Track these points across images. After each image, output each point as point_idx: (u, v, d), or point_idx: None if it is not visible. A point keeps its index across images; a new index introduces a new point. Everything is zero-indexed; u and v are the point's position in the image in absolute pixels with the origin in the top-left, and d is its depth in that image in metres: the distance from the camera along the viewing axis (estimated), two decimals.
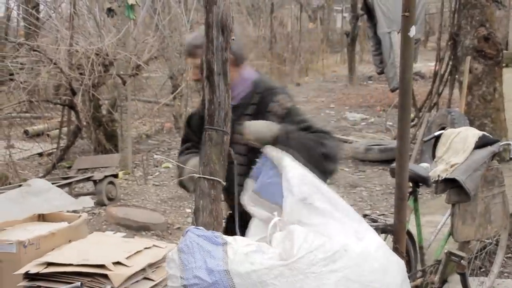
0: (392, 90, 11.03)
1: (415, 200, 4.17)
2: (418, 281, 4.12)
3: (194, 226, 2.36)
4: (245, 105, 2.95)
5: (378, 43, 10.96)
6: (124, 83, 8.29)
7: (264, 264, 2.18)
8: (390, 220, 3.60)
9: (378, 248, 2.44)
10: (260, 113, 2.90)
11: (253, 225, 2.78)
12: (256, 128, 2.80)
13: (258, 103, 2.94)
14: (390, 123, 10.97)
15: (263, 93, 2.95)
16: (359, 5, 16.11)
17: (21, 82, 7.62)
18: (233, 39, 2.55)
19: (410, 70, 2.89)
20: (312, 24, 23.35)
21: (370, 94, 14.94)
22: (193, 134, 3.20)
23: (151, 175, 8.11)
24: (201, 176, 2.45)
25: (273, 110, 2.90)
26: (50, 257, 4.15)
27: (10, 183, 6.90)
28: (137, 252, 4.26)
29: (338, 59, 22.67)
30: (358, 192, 7.23)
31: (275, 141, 2.75)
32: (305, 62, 19.58)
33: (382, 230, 3.74)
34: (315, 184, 2.47)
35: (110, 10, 8.12)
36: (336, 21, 26.45)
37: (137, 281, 4.07)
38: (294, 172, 2.47)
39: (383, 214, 5.74)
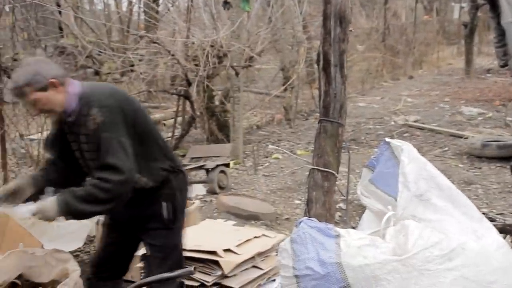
0: None
1: None
2: None
3: (307, 217, 2.37)
4: (79, 119, 2.95)
5: (501, 34, 10.39)
6: (237, 74, 8.41)
7: (378, 259, 2.16)
8: (510, 220, 3.44)
9: (499, 248, 2.34)
10: (85, 126, 2.93)
11: (366, 218, 2.76)
12: (41, 209, 2.84)
13: (84, 115, 2.93)
14: (510, 118, 10.43)
15: (84, 106, 2.93)
16: None
17: (140, 73, 7.92)
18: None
19: None
20: (428, 16, 22.60)
21: (488, 88, 14.25)
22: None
23: (261, 165, 8.20)
24: (314, 167, 2.45)
25: (87, 124, 2.90)
26: None
27: None
28: (247, 240, 4.34)
29: (455, 51, 21.83)
30: (473, 190, 6.93)
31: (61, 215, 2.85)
32: (419, 55, 19.00)
33: (501, 229, 3.58)
34: (434, 180, 2.40)
35: (226, 2, 8.26)
36: (454, 11, 25.43)
37: (246, 269, 4.14)
38: (411, 166, 2.41)
39: (501, 213, 5.48)
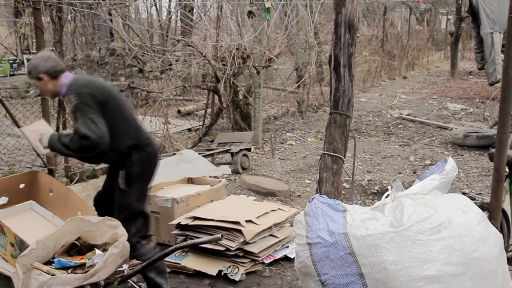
0: (491, 84, 10.33)
1: (511, 183, 3.91)
2: (509, 254, 3.88)
3: (318, 194, 2.35)
4: (66, 101, 3.36)
5: (480, 42, 10.29)
6: (258, 73, 8.38)
7: (378, 230, 2.14)
8: (487, 199, 3.40)
9: (480, 222, 2.31)
10: (69, 106, 3.33)
11: None
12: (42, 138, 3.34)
13: (67, 99, 3.31)
14: (488, 113, 10.29)
15: (67, 92, 3.30)
16: (463, 8, 15.19)
17: (177, 71, 7.92)
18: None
19: None
20: (420, 26, 22.32)
21: (470, 88, 14.07)
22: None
23: (277, 150, 8.19)
24: (325, 152, 2.44)
25: (68, 105, 3.31)
26: (196, 213, 4.34)
27: (166, 152, 7.23)
28: (265, 213, 4.34)
29: (442, 56, 21.64)
30: (456, 173, 6.86)
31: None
32: (412, 58, 18.83)
33: (480, 207, 3.54)
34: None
35: (250, 12, 8.21)
36: (441, 22, 25.10)
37: (264, 237, 4.16)
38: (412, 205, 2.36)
39: (480, 193, 5.41)
